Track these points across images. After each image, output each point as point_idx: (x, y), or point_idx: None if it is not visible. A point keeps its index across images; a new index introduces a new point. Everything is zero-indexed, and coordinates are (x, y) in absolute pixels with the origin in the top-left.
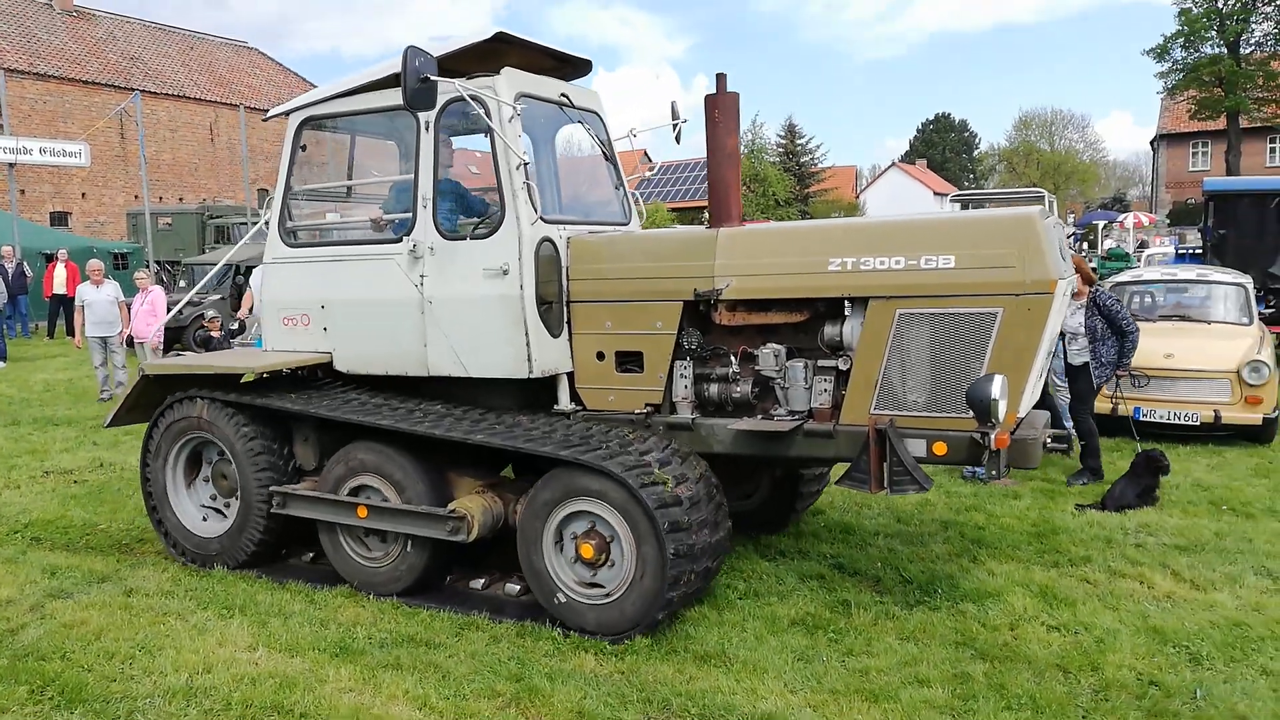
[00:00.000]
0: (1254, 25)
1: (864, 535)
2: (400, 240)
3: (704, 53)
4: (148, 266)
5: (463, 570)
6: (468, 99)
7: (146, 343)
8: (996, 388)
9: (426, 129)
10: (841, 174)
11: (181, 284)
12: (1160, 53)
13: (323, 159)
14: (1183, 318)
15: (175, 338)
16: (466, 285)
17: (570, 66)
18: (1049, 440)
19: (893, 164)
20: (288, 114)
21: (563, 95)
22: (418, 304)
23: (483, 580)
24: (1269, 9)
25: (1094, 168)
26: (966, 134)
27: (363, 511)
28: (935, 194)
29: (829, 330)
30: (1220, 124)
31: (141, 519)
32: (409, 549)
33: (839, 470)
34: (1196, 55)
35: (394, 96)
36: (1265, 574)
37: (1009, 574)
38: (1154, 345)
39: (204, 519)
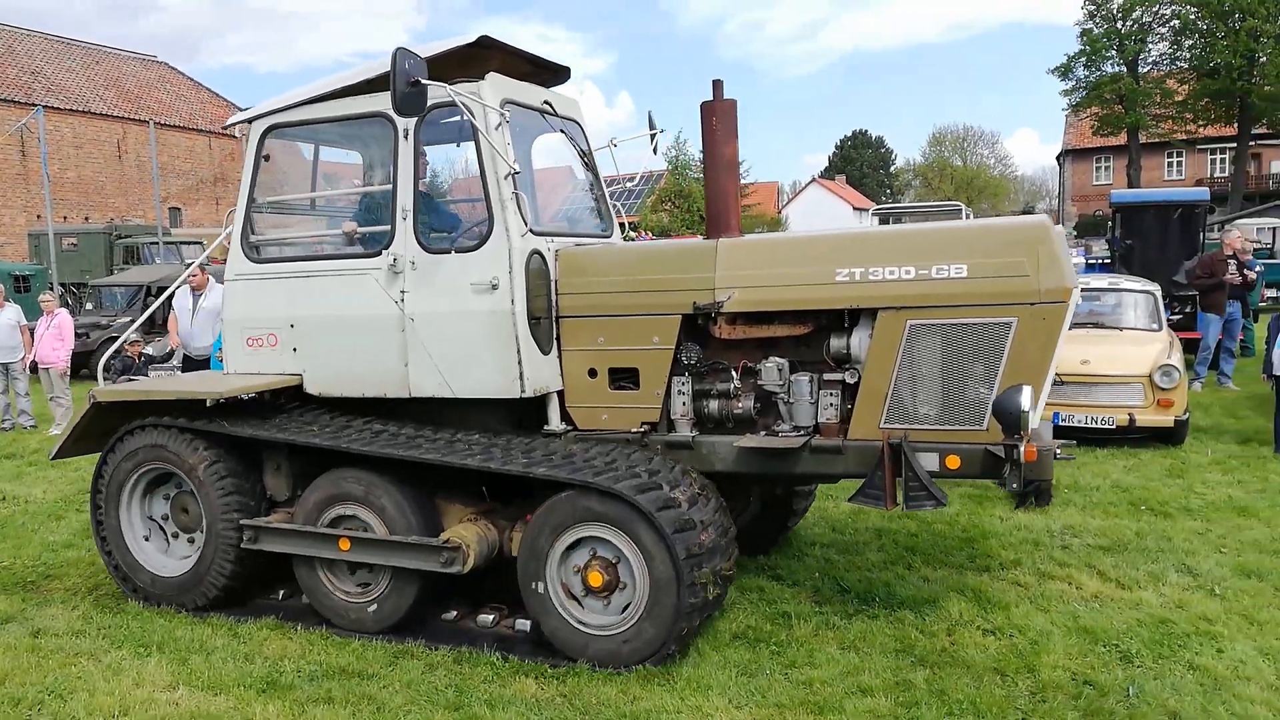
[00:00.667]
0: (1150, 45)
1: (800, 545)
2: (378, 254)
3: (625, 70)
4: (52, 289)
5: (452, 604)
6: (459, 104)
7: (54, 368)
8: (1026, 399)
9: (405, 137)
10: (764, 189)
11: (88, 306)
12: (1064, 71)
13: (280, 171)
14: (1096, 325)
15: (82, 363)
16: (452, 301)
17: (549, 73)
18: (1058, 451)
19: (813, 180)
20: (250, 121)
21: (545, 102)
22: (398, 321)
23: (493, 616)
24: (1164, 30)
25: (1004, 182)
26: (883, 150)
27: (345, 544)
28: (855, 209)
29: (835, 342)
30: (1121, 140)
31: (49, 554)
32: (397, 582)
33: (836, 487)
34: (1098, 74)
35: (369, 103)
36: (1185, 571)
37: (943, 580)
38: (1070, 352)
39: (164, 556)
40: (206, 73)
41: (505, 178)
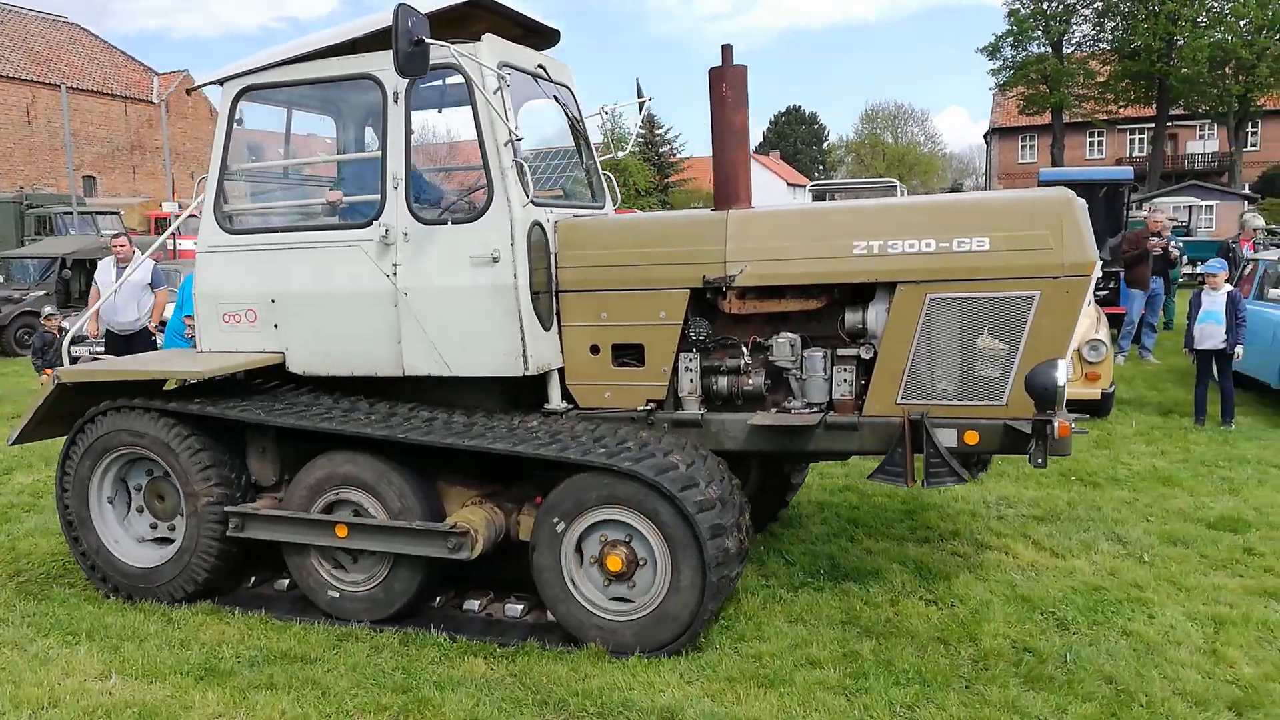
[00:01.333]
0: (1075, 27)
1: None
2: (367, 225)
3: None
4: None
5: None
6: (459, 65)
7: None
8: (1062, 373)
9: (395, 100)
10: (700, 164)
11: None
12: (992, 51)
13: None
14: None
15: None
16: (450, 275)
17: (538, 36)
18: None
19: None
20: (221, 82)
21: (540, 66)
22: (390, 296)
23: (478, 602)
24: (1087, 11)
25: (934, 159)
26: (816, 126)
27: (342, 530)
28: (789, 184)
29: (850, 317)
30: (1046, 119)
31: None
32: (399, 570)
33: (852, 464)
34: (1024, 54)
35: (355, 64)
36: (1115, 539)
37: (885, 551)
38: None
39: (141, 546)
40: (121, 37)
41: (505, 144)
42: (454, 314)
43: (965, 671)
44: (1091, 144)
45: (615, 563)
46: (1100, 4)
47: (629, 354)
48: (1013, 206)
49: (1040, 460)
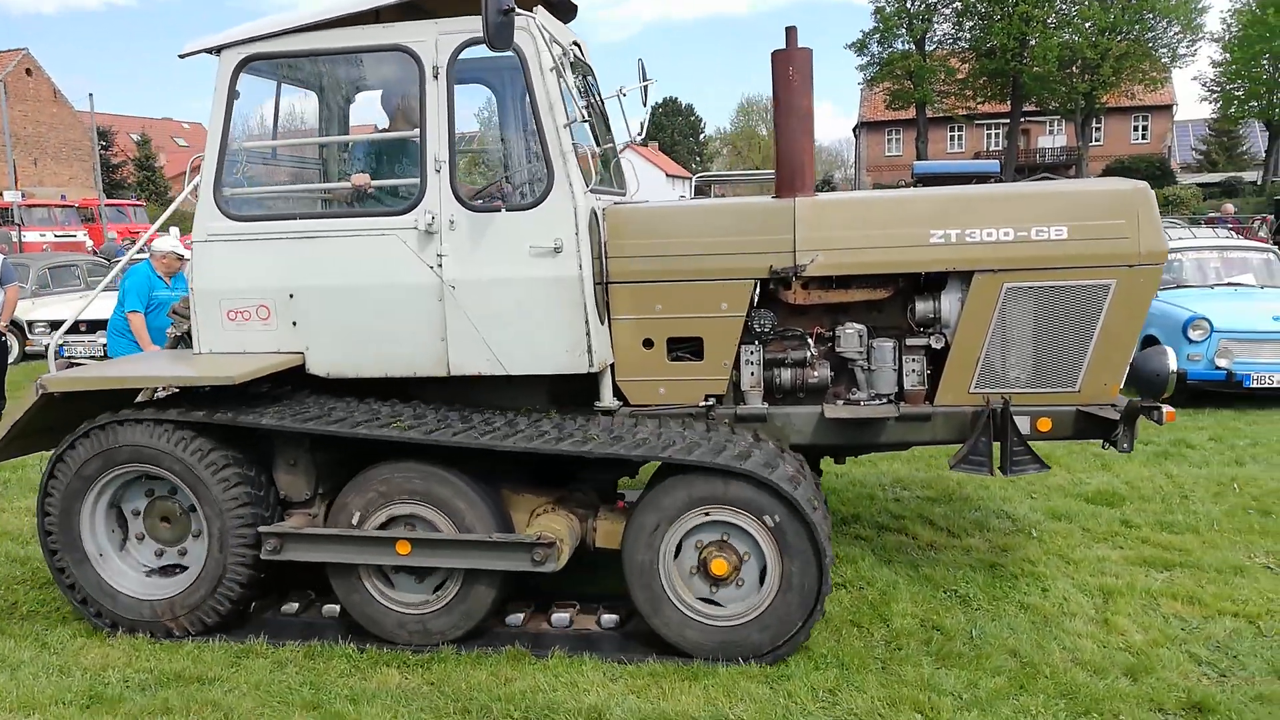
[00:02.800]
0: (936, 26)
1: None
2: (405, 213)
3: None
4: None
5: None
6: (516, 41)
7: None
8: (1173, 361)
9: (435, 76)
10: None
11: None
12: (860, 47)
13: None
14: None
15: None
16: (505, 266)
17: (557, 11)
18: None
19: (626, 146)
20: (218, 50)
21: (574, 44)
22: (434, 290)
23: (568, 614)
24: (948, 11)
25: None
26: (693, 118)
27: (405, 547)
28: (668, 176)
29: (921, 306)
30: (910, 113)
31: None
32: (468, 586)
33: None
34: (890, 50)
35: (385, 34)
36: (1005, 517)
37: None
38: None
39: (145, 575)
40: None
41: (564, 127)
42: (510, 308)
43: (880, 653)
44: (952, 138)
45: (721, 566)
46: (959, 4)
47: (685, 347)
48: (1091, 196)
49: (1128, 445)
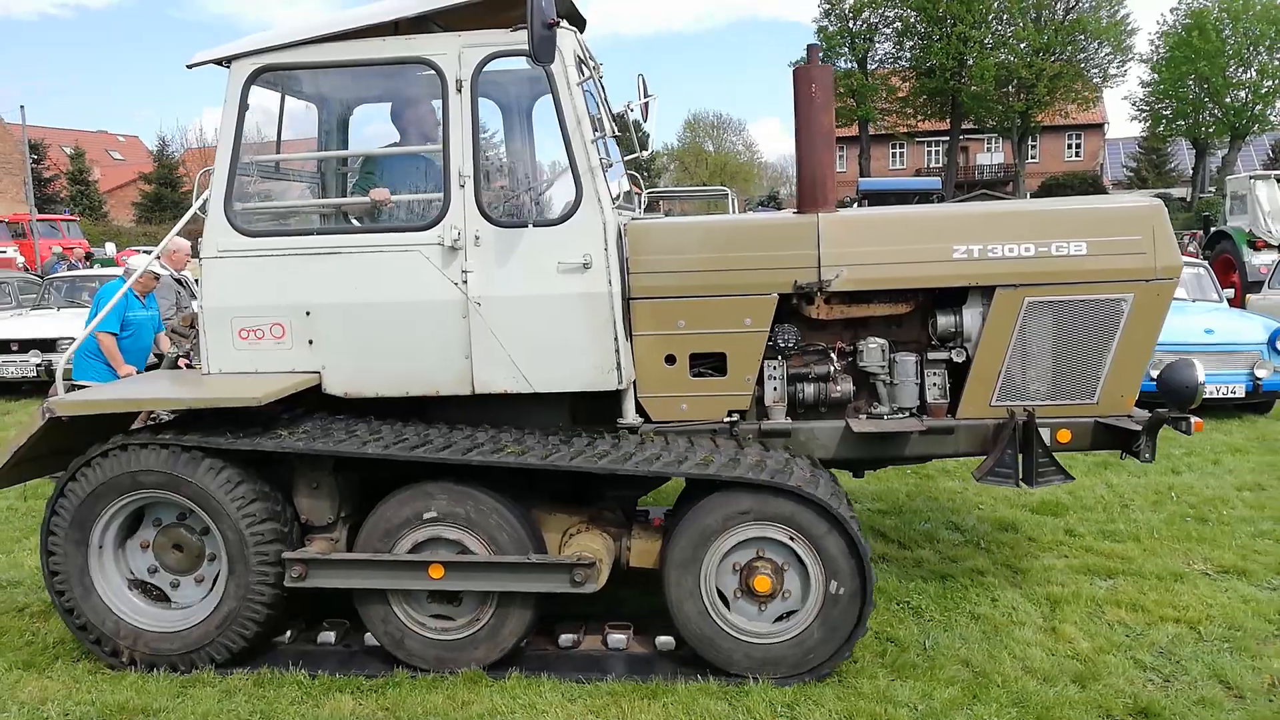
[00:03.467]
0: (878, 44)
1: None
2: (428, 228)
3: None
4: None
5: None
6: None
7: None
8: (1201, 372)
9: (459, 89)
10: None
11: None
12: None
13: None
14: None
15: None
16: (534, 282)
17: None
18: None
19: (632, 160)
20: (227, 61)
21: (591, 58)
22: (459, 306)
23: (623, 636)
24: (889, 31)
25: (752, 168)
26: (641, 134)
27: (438, 571)
28: None
29: (942, 320)
30: (854, 130)
31: None
32: (504, 609)
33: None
34: (833, 68)
35: (407, 46)
36: (953, 528)
37: None
38: None
39: (158, 608)
40: None
41: (592, 142)
42: (538, 325)
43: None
44: (894, 155)
45: (763, 584)
46: (900, 24)
47: (706, 363)
48: (1109, 213)
49: (1150, 455)
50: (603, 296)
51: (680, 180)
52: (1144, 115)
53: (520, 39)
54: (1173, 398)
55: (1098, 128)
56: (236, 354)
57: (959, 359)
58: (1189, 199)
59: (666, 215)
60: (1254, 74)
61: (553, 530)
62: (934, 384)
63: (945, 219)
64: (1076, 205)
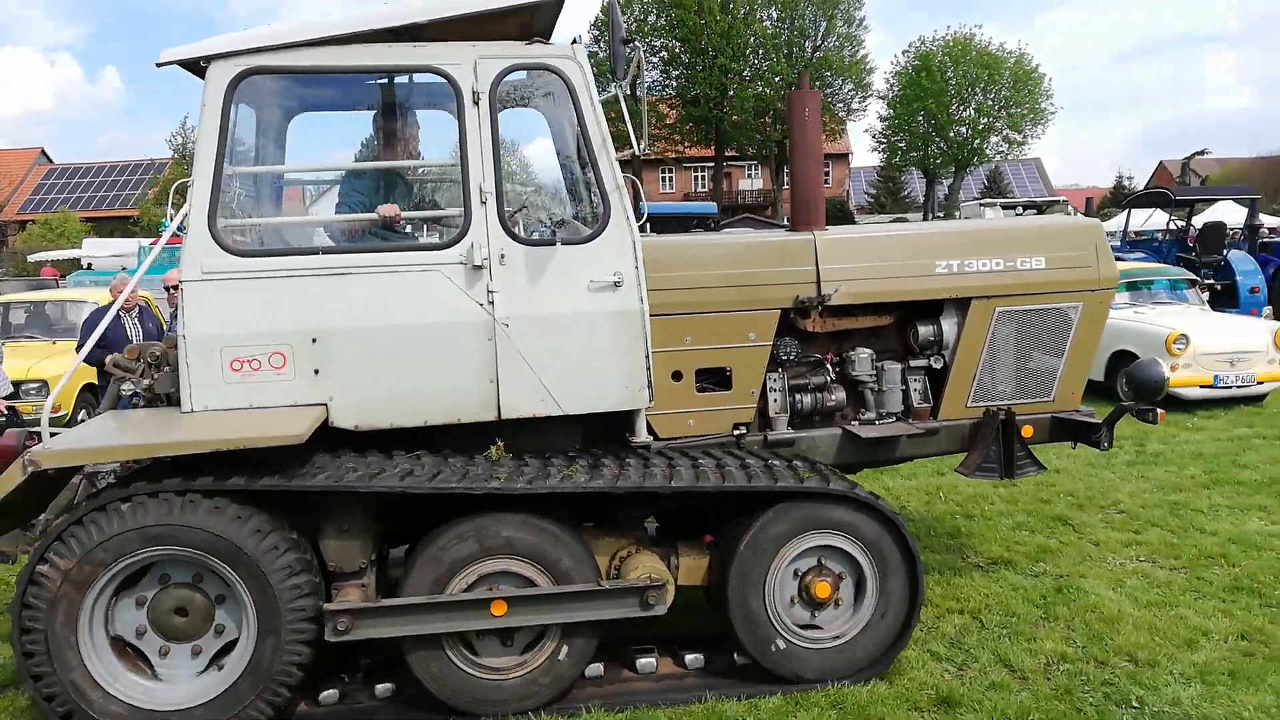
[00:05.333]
0: (646, 73)
1: None
2: (449, 247)
3: (106, 41)
4: None
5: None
6: (558, 70)
7: None
8: (1166, 369)
9: (476, 102)
10: None
11: None
12: None
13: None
14: None
15: None
16: (565, 301)
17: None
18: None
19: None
20: (206, 61)
21: None
22: (485, 328)
23: (653, 660)
24: (656, 60)
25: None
26: (636, 121)
27: (500, 607)
28: None
29: (923, 330)
30: (626, 155)
31: None
32: (571, 639)
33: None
34: (604, 94)
35: (414, 54)
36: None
37: None
38: None
39: (155, 682)
40: None
41: (616, 159)
42: (569, 345)
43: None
44: (664, 179)
45: (824, 590)
46: (666, 54)
47: (711, 378)
48: (1059, 231)
49: (1108, 444)
50: (635, 314)
51: None
52: (882, 147)
53: (536, 52)
54: (1141, 391)
55: (843, 157)
56: (227, 388)
57: (938, 365)
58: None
59: None
60: (972, 112)
61: (603, 555)
62: (916, 389)
63: (927, 237)
64: (1032, 224)
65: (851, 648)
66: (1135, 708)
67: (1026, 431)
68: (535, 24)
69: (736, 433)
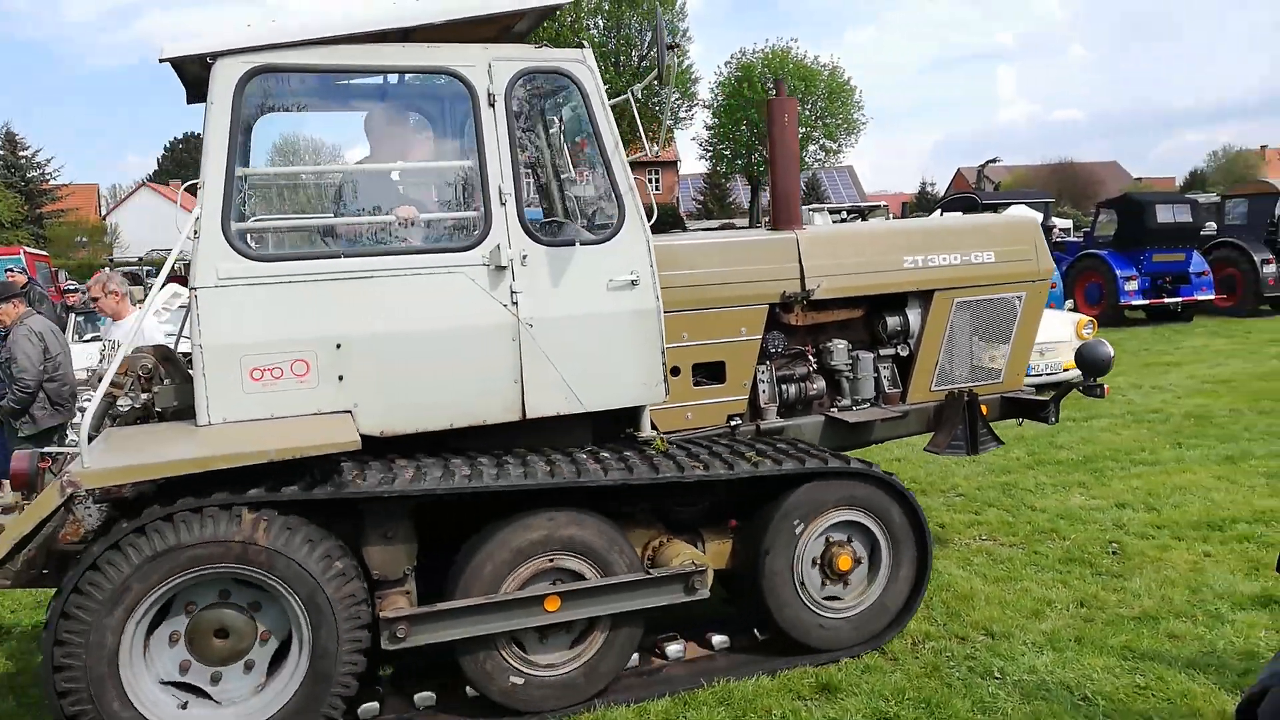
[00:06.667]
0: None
1: None
2: (471, 248)
3: None
4: None
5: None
6: (570, 73)
7: None
8: (1110, 348)
9: (491, 104)
10: (83, 192)
11: None
12: None
13: None
14: None
15: None
16: (585, 301)
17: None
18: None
19: (142, 183)
20: (212, 57)
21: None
22: (509, 330)
23: (680, 645)
24: None
25: None
26: (670, 119)
27: (554, 603)
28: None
29: (891, 321)
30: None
31: None
32: (620, 629)
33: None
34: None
35: (428, 55)
36: None
37: None
38: None
39: (204, 709)
40: None
41: (627, 160)
42: (590, 344)
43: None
44: None
45: (845, 562)
46: None
47: (705, 372)
48: (1004, 228)
49: (1055, 419)
50: (651, 312)
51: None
52: (709, 155)
53: (548, 55)
54: (1089, 369)
55: (672, 165)
56: (247, 398)
57: (904, 353)
58: (749, 228)
59: None
60: (670, 123)
61: (637, 545)
62: (886, 376)
63: (895, 235)
64: (981, 222)
65: (865, 615)
66: (997, 678)
67: (983, 410)
68: (518, 28)
69: (731, 423)
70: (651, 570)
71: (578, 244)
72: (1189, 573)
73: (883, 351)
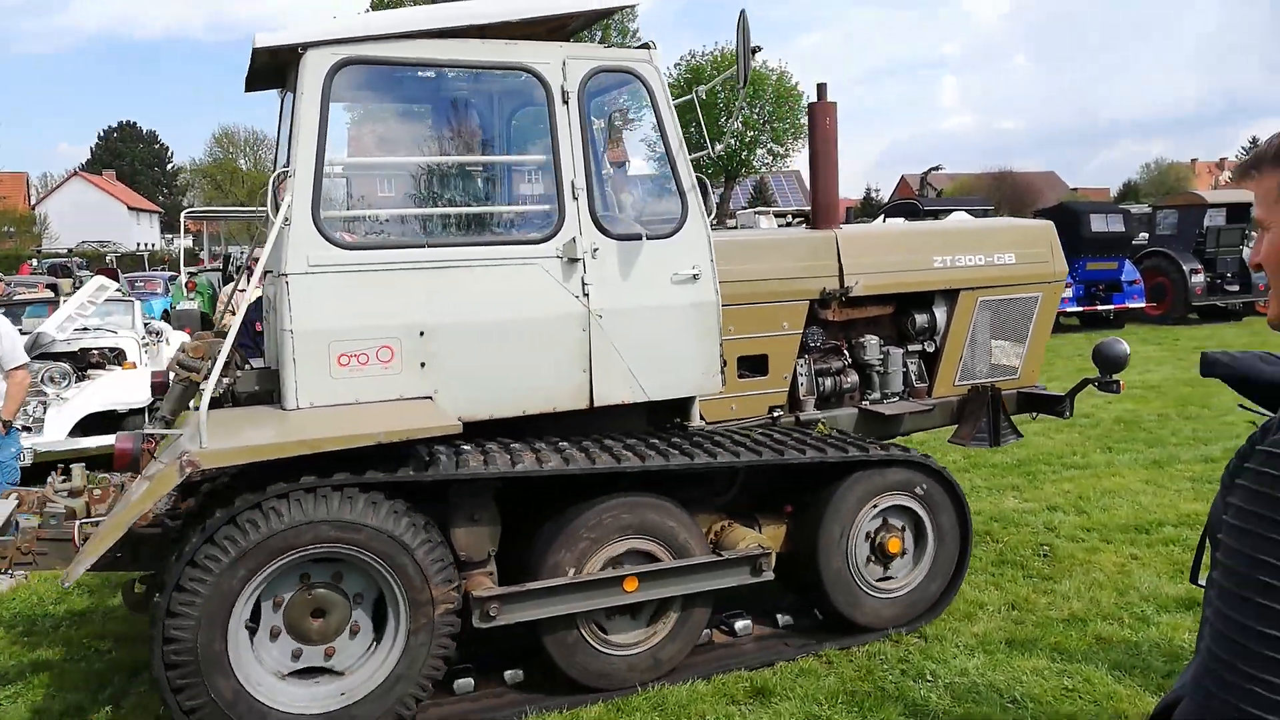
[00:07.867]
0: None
1: None
2: (546, 240)
3: None
4: None
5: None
6: (638, 72)
7: None
8: (1127, 345)
9: (565, 100)
10: (10, 181)
11: None
12: None
13: None
14: None
15: None
16: (651, 294)
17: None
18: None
19: (74, 173)
20: (302, 48)
21: None
22: (580, 320)
23: (747, 623)
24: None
25: None
26: (158, 146)
27: (632, 583)
28: (130, 208)
29: (920, 318)
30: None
31: None
32: (692, 608)
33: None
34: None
35: (506, 51)
36: None
37: None
38: None
39: (307, 687)
40: None
41: (690, 158)
42: (655, 335)
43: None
44: None
45: (895, 545)
46: None
47: (749, 365)
48: (1022, 230)
49: (1069, 413)
50: (711, 305)
51: (213, 199)
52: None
53: (617, 55)
54: (1106, 364)
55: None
56: (333, 383)
57: (930, 349)
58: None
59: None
60: (739, 125)
61: (703, 526)
62: (914, 371)
63: (925, 235)
64: (998, 225)
65: (913, 595)
66: (929, 681)
67: (1004, 405)
68: (571, 26)
69: (773, 414)
70: (723, 553)
71: (644, 238)
72: (1117, 575)
73: (910, 347)
